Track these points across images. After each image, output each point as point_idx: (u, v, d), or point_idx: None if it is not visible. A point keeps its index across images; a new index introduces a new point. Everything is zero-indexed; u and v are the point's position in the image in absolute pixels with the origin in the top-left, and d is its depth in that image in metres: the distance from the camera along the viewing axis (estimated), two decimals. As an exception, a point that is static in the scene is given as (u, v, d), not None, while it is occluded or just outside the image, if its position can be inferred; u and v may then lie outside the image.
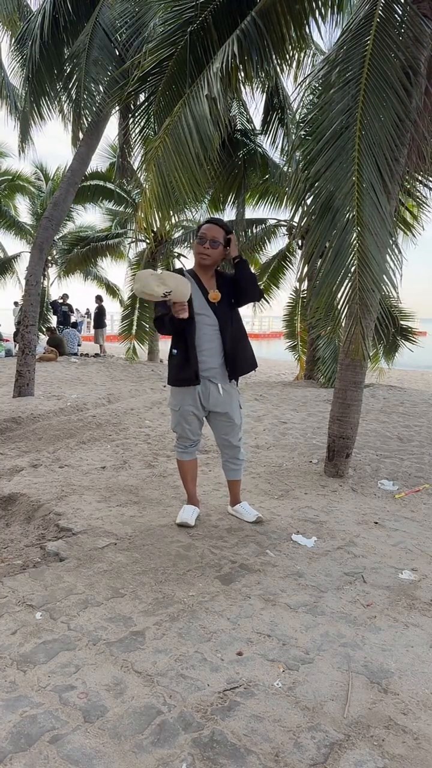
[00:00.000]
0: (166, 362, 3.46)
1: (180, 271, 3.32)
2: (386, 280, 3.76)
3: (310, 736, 1.69)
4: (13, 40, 8.74)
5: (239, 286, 3.27)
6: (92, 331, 26.18)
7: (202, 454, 5.06)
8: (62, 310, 17.72)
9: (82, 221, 22.28)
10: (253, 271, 3.29)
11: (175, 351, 3.25)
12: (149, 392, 9.11)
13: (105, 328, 17.79)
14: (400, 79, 3.80)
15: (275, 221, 13.08)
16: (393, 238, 3.92)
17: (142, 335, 13.89)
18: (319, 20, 4.95)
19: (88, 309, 26.48)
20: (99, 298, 18.17)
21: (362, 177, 3.68)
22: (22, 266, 17.77)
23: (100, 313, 17.89)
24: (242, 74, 5.03)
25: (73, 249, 16.20)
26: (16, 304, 20.20)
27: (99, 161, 15.29)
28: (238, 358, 3.29)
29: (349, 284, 3.72)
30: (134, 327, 14.07)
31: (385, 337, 10.00)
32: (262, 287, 13.54)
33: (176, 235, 15.18)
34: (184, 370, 3.22)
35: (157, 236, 13.19)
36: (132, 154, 8.95)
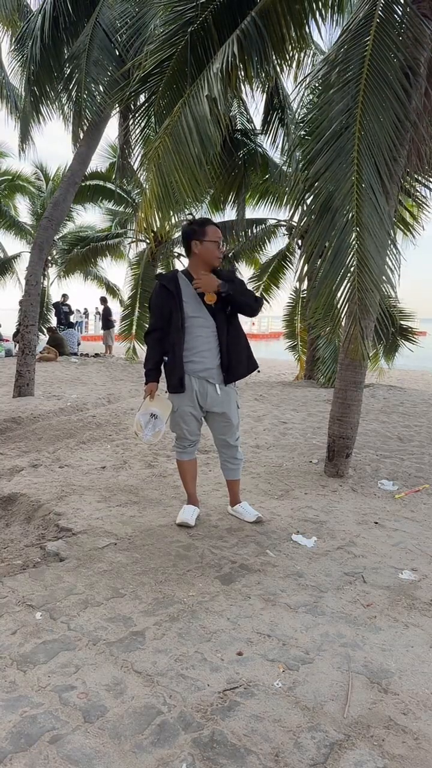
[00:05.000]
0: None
1: (173, 273, 3.33)
2: (385, 280, 3.76)
3: (310, 736, 1.69)
4: (13, 40, 8.74)
5: (240, 310, 3.30)
6: (90, 331, 26.21)
7: (202, 454, 5.06)
8: (63, 310, 17.75)
9: (82, 221, 22.34)
10: (248, 287, 3.30)
11: (166, 358, 3.30)
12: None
13: (113, 328, 17.70)
14: (399, 80, 3.81)
15: (275, 221, 13.08)
16: (391, 239, 3.93)
17: (142, 335, 13.88)
18: (319, 20, 4.96)
19: (86, 309, 26.50)
20: (104, 300, 18.20)
21: (361, 177, 3.68)
22: (22, 266, 17.78)
23: (107, 314, 17.89)
24: (242, 74, 5.03)
25: (73, 249, 16.20)
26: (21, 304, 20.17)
27: (99, 161, 15.31)
28: (234, 361, 3.29)
29: (348, 284, 3.72)
30: (134, 327, 14.07)
31: (385, 337, 10.00)
32: (262, 287, 13.59)
33: (176, 235, 15.17)
34: (171, 377, 3.28)
35: (158, 236, 13.19)
36: (132, 154, 8.96)
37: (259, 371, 3.48)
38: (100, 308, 18.39)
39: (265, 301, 13.62)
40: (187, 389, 3.25)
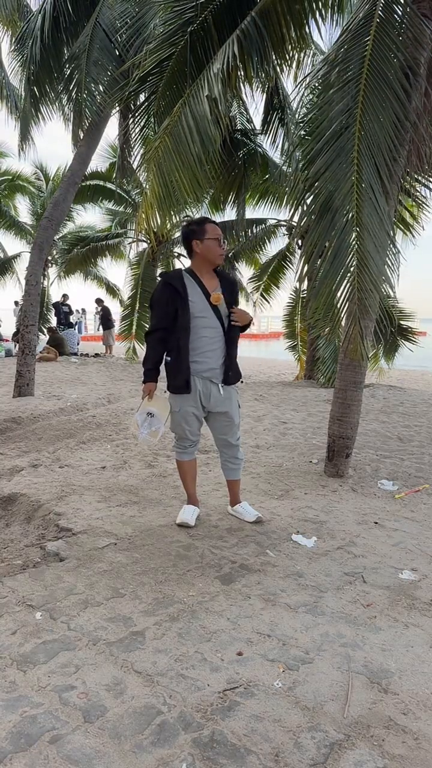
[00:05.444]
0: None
1: (178, 272, 3.31)
2: (384, 280, 3.76)
3: (310, 736, 1.69)
4: (13, 40, 8.74)
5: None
6: (89, 331, 26.16)
7: (202, 454, 5.06)
8: (63, 310, 17.76)
9: (82, 221, 22.35)
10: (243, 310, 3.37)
11: (168, 358, 3.26)
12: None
13: (113, 328, 17.65)
14: (399, 80, 3.81)
15: (275, 221, 13.09)
16: (391, 239, 3.93)
17: (142, 335, 13.89)
18: (319, 20, 4.96)
19: (83, 308, 26.51)
20: (100, 301, 18.19)
21: (361, 177, 3.68)
22: (22, 266, 17.80)
23: (106, 315, 17.88)
24: (242, 74, 5.03)
25: (73, 249, 16.21)
26: (16, 303, 20.22)
27: (99, 161, 15.33)
28: (233, 366, 3.33)
29: (348, 284, 3.72)
30: (134, 327, 14.07)
31: (385, 337, 10.00)
32: (262, 287, 13.63)
33: (176, 235, 15.18)
34: (176, 378, 3.24)
35: (158, 236, 13.19)
36: (132, 154, 8.96)
37: (242, 381, 3.53)
38: (99, 309, 18.40)
39: (264, 300, 13.75)
40: (191, 390, 3.25)
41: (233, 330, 3.29)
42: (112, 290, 19.81)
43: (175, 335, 3.19)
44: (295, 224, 12.12)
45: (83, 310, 26.41)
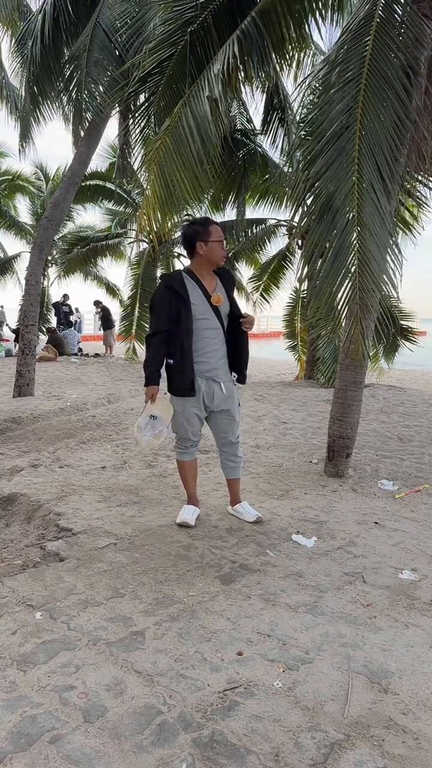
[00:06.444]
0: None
1: (178, 273, 3.30)
2: (386, 280, 3.76)
3: (310, 736, 1.69)
4: (13, 41, 8.74)
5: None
6: (84, 331, 26.15)
7: (202, 454, 5.06)
8: (63, 311, 17.75)
9: (82, 221, 22.34)
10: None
11: (170, 361, 3.24)
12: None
13: (114, 327, 17.61)
14: (400, 79, 3.80)
15: (275, 221, 13.09)
16: (393, 239, 3.93)
17: (142, 335, 13.90)
18: (319, 20, 4.96)
19: (76, 308, 26.51)
20: (98, 303, 18.17)
21: (362, 177, 3.68)
22: (22, 266, 17.79)
23: (106, 315, 17.87)
24: (242, 74, 5.04)
25: (73, 249, 16.21)
26: None
27: (99, 161, 15.33)
28: (243, 354, 3.37)
29: (349, 284, 3.72)
30: (134, 327, 14.07)
31: (385, 337, 10.00)
32: (262, 287, 13.60)
33: (176, 235, 15.17)
34: (180, 380, 3.22)
35: (158, 236, 13.20)
36: (132, 154, 8.96)
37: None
38: (98, 310, 18.38)
39: (264, 300, 13.75)
40: (196, 391, 3.24)
41: (244, 334, 3.34)
42: (112, 290, 19.80)
43: (178, 337, 3.17)
44: (295, 224, 12.13)
45: (77, 310, 26.41)
